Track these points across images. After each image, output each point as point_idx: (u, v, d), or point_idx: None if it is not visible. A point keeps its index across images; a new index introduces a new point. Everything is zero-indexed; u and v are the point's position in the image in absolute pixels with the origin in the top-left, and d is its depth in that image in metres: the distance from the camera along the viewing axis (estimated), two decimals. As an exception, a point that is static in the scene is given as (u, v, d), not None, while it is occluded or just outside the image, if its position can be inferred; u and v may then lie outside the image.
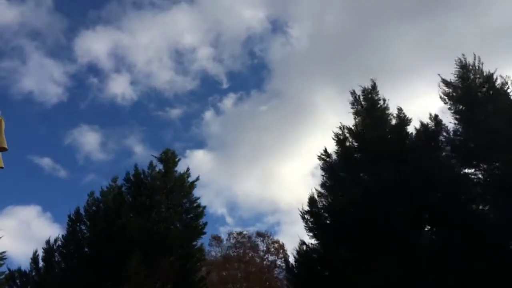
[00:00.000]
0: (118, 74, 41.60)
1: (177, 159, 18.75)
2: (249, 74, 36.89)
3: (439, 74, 15.75)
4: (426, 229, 13.97)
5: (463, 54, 15.72)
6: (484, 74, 15.19)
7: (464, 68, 15.53)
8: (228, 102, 39.05)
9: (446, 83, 15.61)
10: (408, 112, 15.84)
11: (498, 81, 14.93)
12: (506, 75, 14.85)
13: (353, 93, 16.80)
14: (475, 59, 15.50)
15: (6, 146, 6.69)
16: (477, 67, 15.39)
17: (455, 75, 15.56)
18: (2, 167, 6.78)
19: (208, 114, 40.57)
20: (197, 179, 18.49)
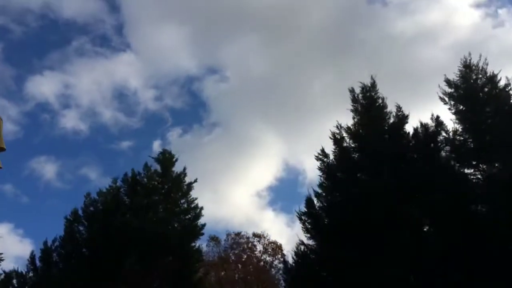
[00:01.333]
0: (69, 110, 43.85)
1: (174, 160, 18.62)
2: (190, 110, 44.04)
3: (445, 75, 15.66)
4: (425, 229, 13.89)
5: (469, 53, 15.62)
6: (488, 74, 15.09)
7: (467, 68, 15.43)
8: (173, 134, 45.03)
9: (448, 82, 15.51)
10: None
11: (501, 82, 14.85)
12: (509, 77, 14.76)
13: (351, 91, 16.64)
14: (479, 59, 15.41)
15: (4, 147, 6.64)
16: (480, 68, 15.29)
17: (458, 75, 15.46)
18: (0, 168, 6.74)
19: (156, 144, 45.95)
20: (195, 181, 18.43)
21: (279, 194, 41.00)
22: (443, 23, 39.23)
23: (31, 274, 17.72)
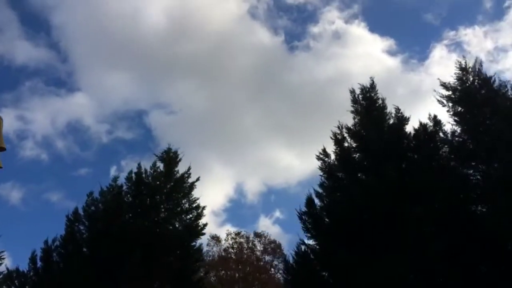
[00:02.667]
0: (26, 142, 47.35)
1: (178, 159, 18.60)
2: (140, 140, 47.37)
3: (438, 79, 15.91)
4: (425, 229, 14.02)
5: (463, 56, 15.92)
6: (483, 76, 15.32)
7: (463, 71, 15.64)
8: (128, 161, 48.73)
9: (444, 85, 15.73)
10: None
11: (497, 83, 15.09)
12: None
13: (352, 91, 16.82)
14: (475, 62, 15.65)
15: (4, 146, 6.72)
16: (476, 70, 15.53)
17: (455, 78, 15.68)
18: (1, 167, 6.80)
19: (113, 170, 49.07)
20: (198, 179, 18.41)
21: (233, 212, 44.92)
22: (357, 67, 43.93)
23: (31, 273, 17.71)
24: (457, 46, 43.60)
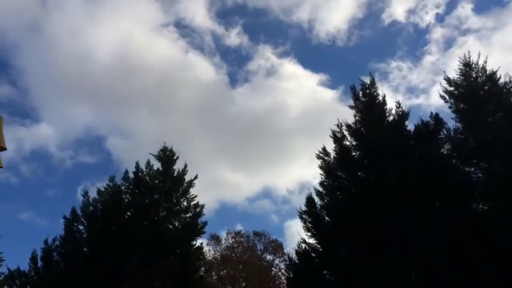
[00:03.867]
0: None
1: (175, 158, 18.51)
2: (101, 163, 49.63)
3: (444, 72, 15.73)
4: (426, 227, 13.87)
5: (469, 51, 15.64)
6: (487, 72, 15.08)
7: (467, 66, 15.42)
8: (92, 181, 52.33)
9: (448, 81, 15.51)
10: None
11: (501, 80, 14.85)
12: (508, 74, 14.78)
13: (352, 88, 16.63)
14: (479, 57, 15.40)
15: (5, 146, 6.69)
16: (480, 66, 15.29)
17: (458, 73, 15.46)
18: (1, 167, 6.77)
19: (80, 189, 48.11)
20: (195, 177, 18.31)
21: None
22: (292, 99, 49.77)
23: (32, 273, 17.73)
24: (383, 78, 47.41)
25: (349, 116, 16.31)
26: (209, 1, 52.00)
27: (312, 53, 48.96)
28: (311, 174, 43.26)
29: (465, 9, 47.20)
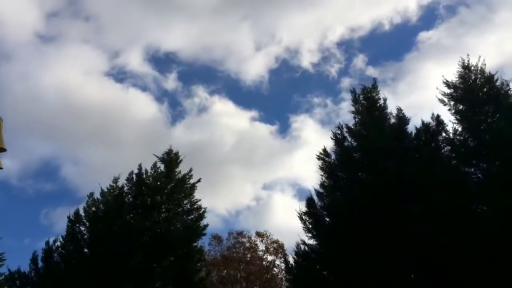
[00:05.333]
0: None
1: (179, 160, 18.59)
2: (59, 190, 50.68)
3: (442, 76, 15.87)
4: (426, 228, 13.95)
5: (468, 55, 15.82)
6: (485, 74, 15.23)
7: (466, 69, 15.57)
8: (54, 207, 54.02)
9: (447, 83, 15.66)
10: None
11: (499, 82, 15.01)
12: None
13: (353, 91, 16.81)
14: (478, 60, 15.57)
15: (5, 147, 6.73)
16: (479, 68, 15.44)
17: (457, 76, 15.61)
18: (1, 168, 6.82)
19: (42, 214, 52.19)
20: (199, 180, 18.41)
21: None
22: (226, 134, 53.06)
23: (33, 274, 17.72)
24: (310, 113, 52.86)
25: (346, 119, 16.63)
26: (147, 50, 56.76)
27: (242, 92, 54.30)
28: (246, 198, 49.07)
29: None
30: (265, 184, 51.87)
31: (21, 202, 51.83)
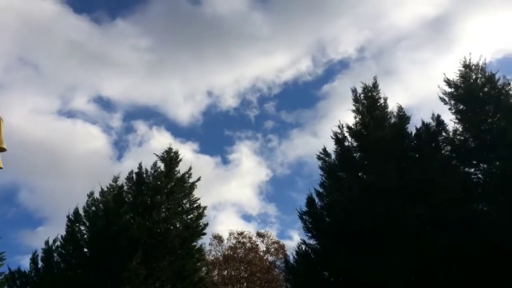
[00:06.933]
0: None
1: (178, 159, 18.59)
2: (19, 211, 51.41)
3: (444, 74, 15.82)
4: (427, 228, 13.91)
5: (470, 53, 15.74)
6: (486, 74, 15.15)
7: (467, 68, 15.48)
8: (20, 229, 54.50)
9: (448, 82, 15.57)
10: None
11: (500, 81, 14.91)
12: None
13: (353, 90, 16.74)
14: (479, 59, 15.49)
15: (5, 147, 6.75)
16: (480, 67, 15.35)
17: (458, 75, 15.52)
18: (1, 168, 6.84)
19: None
20: (198, 179, 18.40)
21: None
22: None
23: (33, 273, 17.72)
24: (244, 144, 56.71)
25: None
26: (92, 94, 59.09)
27: (179, 128, 59.11)
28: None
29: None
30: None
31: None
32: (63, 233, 17.54)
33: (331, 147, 16.16)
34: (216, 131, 62.59)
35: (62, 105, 59.72)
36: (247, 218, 54.95)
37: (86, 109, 60.46)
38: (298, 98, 63.57)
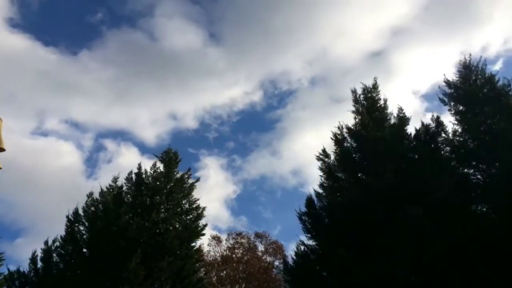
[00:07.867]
0: None
1: (178, 160, 18.61)
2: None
3: (444, 74, 15.88)
4: (426, 229, 13.93)
5: (470, 54, 15.81)
6: (486, 75, 15.19)
7: (466, 69, 15.53)
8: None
9: (447, 83, 15.61)
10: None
11: (500, 83, 14.96)
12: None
13: (353, 91, 16.77)
14: (479, 60, 15.54)
15: (4, 147, 6.74)
16: (479, 68, 15.40)
17: (457, 76, 15.57)
18: (0, 168, 6.82)
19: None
20: (198, 180, 18.45)
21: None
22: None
23: (32, 274, 17.66)
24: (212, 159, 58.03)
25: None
26: (59, 117, 60.81)
27: (146, 146, 59.55)
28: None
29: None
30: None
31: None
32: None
33: (331, 148, 16.21)
34: (181, 149, 65.86)
35: (35, 127, 61.34)
36: (218, 231, 56.84)
37: (58, 129, 62.16)
38: (254, 123, 68.22)
